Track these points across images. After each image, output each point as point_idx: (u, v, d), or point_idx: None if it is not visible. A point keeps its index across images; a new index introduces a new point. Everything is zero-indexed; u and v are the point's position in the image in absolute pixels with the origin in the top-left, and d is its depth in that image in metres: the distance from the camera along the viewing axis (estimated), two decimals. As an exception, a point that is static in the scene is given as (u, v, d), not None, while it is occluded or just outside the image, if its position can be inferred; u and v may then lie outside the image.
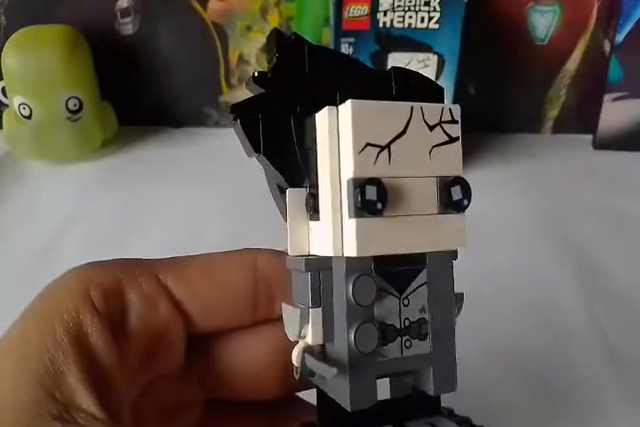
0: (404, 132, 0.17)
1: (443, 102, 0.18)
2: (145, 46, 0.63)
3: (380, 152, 0.17)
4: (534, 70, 0.63)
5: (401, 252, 0.17)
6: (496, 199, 0.53)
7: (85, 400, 0.16)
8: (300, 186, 0.18)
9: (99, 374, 0.17)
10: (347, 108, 0.16)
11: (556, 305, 0.43)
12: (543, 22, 0.61)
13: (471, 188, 0.18)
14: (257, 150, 0.18)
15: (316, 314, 0.17)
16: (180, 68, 0.63)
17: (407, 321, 0.17)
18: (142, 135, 0.64)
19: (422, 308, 0.18)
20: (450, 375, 0.18)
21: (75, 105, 0.58)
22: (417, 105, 0.17)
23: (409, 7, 0.52)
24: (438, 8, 0.52)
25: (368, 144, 0.17)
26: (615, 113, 0.61)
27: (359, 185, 0.16)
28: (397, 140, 0.17)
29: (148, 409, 0.20)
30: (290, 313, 0.17)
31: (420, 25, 0.53)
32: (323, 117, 0.17)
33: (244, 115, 0.18)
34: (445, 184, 0.17)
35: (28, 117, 0.58)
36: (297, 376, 0.17)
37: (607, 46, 0.61)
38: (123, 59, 0.63)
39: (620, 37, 0.58)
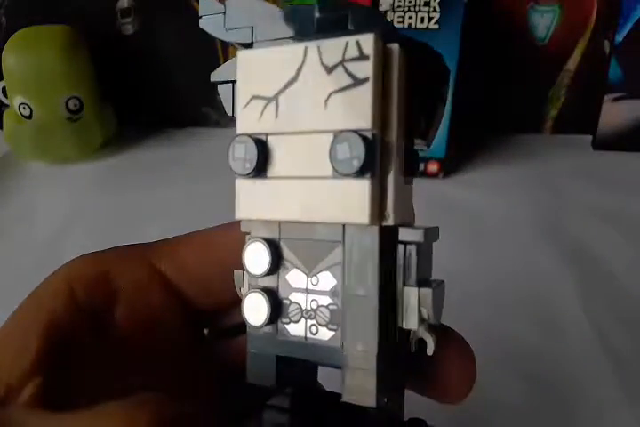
0: (294, 79, 0.14)
1: (394, 35, 0.14)
2: (145, 46, 0.63)
3: (266, 105, 0.15)
4: (534, 70, 0.63)
5: (287, 219, 0.15)
6: (495, 199, 0.53)
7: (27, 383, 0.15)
8: None
9: (58, 358, 0.16)
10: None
11: (556, 305, 0.43)
12: (543, 22, 0.61)
13: (371, 144, 0.13)
14: (229, 113, 0.17)
15: (246, 278, 0.16)
16: (180, 68, 0.63)
17: (314, 303, 0.15)
18: (142, 135, 0.64)
19: (335, 291, 0.15)
20: (363, 383, 0.14)
21: (75, 105, 0.58)
22: (313, 44, 0.14)
23: (409, 7, 0.52)
24: (438, 8, 0.52)
25: (254, 97, 0.15)
26: (615, 113, 0.61)
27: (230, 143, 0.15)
28: (287, 90, 0.14)
29: None
30: None
31: (419, 25, 0.53)
32: None
33: (221, 79, 0.17)
34: (332, 140, 0.14)
35: (29, 117, 0.58)
36: None
37: (607, 46, 0.61)
38: (123, 59, 0.63)
39: (619, 37, 0.58)
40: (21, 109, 0.58)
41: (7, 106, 0.61)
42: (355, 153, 0.13)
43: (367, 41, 0.13)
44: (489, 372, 0.38)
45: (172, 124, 0.66)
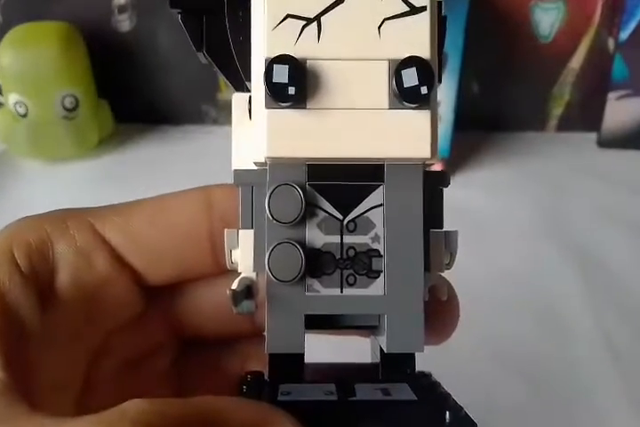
0: (340, 0, 0.13)
1: None
2: (142, 43, 0.62)
3: (305, 26, 0.13)
4: (538, 68, 0.63)
5: (333, 156, 0.13)
6: (500, 198, 0.53)
7: None
8: (249, 90, 0.15)
9: (13, 334, 0.15)
10: None
11: (559, 304, 0.43)
12: (547, 20, 0.60)
13: (434, 72, 0.13)
14: (198, 48, 0.15)
15: (245, 236, 0.14)
16: (178, 65, 0.63)
17: (352, 251, 0.14)
18: (139, 133, 0.64)
19: (375, 236, 0.14)
20: (412, 330, 0.13)
21: (71, 103, 0.58)
22: None
23: (410, 3, 0.52)
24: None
25: (288, 15, 0.13)
26: (620, 111, 0.60)
27: (268, 65, 0.13)
28: (331, 12, 0.13)
29: (112, 361, 0.18)
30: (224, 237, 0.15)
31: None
32: None
33: (186, 8, 0.15)
34: (397, 67, 0.13)
35: (24, 116, 0.57)
36: (234, 311, 0.13)
37: (611, 44, 0.60)
38: (119, 56, 0.63)
39: (624, 35, 0.58)
40: (17, 108, 0.57)
41: (2, 104, 0.60)
42: (423, 79, 0.12)
43: None
44: (491, 373, 0.37)
45: (169, 121, 0.65)
